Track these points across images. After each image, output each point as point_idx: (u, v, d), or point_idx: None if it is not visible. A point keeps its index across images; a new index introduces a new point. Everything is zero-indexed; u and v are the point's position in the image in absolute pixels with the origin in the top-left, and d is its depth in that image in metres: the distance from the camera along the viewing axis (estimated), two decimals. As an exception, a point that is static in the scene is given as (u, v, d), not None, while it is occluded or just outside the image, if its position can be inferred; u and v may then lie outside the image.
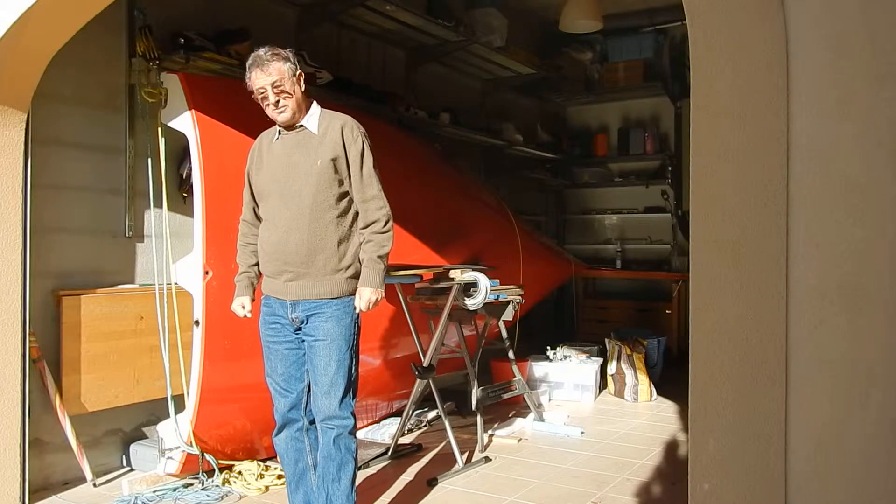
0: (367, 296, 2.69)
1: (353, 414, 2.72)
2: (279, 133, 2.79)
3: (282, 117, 2.72)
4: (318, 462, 2.78)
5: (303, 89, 2.74)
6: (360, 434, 4.30)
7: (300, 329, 2.74)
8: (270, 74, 2.66)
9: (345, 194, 2.74)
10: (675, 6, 2.21)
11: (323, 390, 2.68)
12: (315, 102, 2.83)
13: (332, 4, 4.79)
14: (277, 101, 2.68)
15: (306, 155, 2.72)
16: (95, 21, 3.20)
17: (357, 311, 2.72)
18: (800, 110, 1.70)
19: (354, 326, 2.74)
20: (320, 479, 2.75)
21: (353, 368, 2.74)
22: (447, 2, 5.58)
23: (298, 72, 2.73)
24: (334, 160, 2.70)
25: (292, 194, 2.70)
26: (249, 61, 2.71)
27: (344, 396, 2.69)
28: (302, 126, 2.76)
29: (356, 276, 2.74)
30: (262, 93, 2.68)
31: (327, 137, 2.73)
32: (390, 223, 2.77)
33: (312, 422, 2.79)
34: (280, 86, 2.66)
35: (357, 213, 2.77)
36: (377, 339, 4.31)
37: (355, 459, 2.74)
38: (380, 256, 2.72)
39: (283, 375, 2.77)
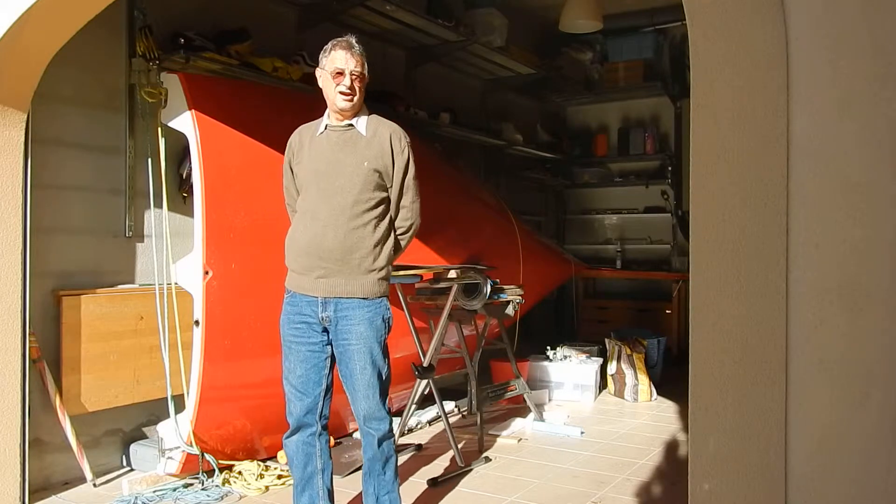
0: None
1: (389, 412, 2.79)
2: (325, 128, 2.79)
3: (345, 104, 2.71)
4: (364, 465, 2.82)
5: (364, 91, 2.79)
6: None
7: (326, 330, 2.73)
8: (356, 61, 2.70)
9: (385, 199, 2.78)
10: (675, 6, 2.21)
11: (361, 394, 2.71)
12: (366, 106, 2.85)
13: (332, 4, 4.79)
14: (351, 87, 2.69)
15: (353, 154, 2.73)
16: (95, 21, 3.20)
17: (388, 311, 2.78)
18: (800, 110, 1.70)
19: (385, 327, 2.76)
20: (367, 475, 2.80)
21: (387, 367, 2.78)
22: (447, 2, 5.57)
23: (367, 72, 2.79)
24: (380, 167, 2.73)
25: (335, 190, 2.70)
26: (334, 41, 2.74)
27: (382, 396, 2.74)
28: (350, 125, 2.77)
29: (387, 278, 2.78)
30: (339, 73, 2.69)
31: (375, 141, 2.75)
32: (411, 233, 2.88)
33: (325, 427, 2.80)
34: (359, 77, 2.71)
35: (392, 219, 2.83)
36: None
37: (396, 453, 2.87)
38: (403, 250, 2.91)
39: (302, 378, 2.74)
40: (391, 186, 2.79)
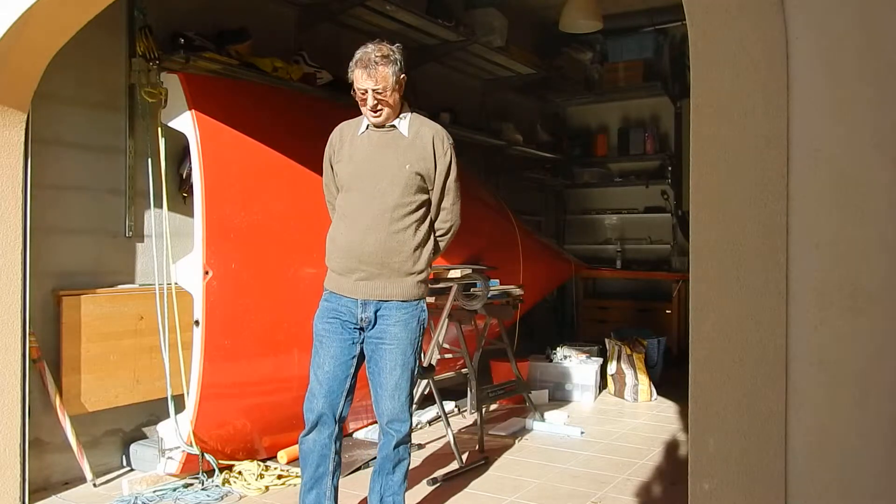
0: None
1: (411, 415, 2.81)
2: (367, 128, 2.77)
3: (375, 120, 2.71)
4: (377, 462, 2.83)
5: (402, 93, 2.73)
6: (360, 434, 4.31)
7: (361, 329, 2.73)
8: (375, 80, 2.62)
9: (426, 202, 2.77)
10: (675, 6, 2.21)
11: (388, 393, 2.72)
12: (407, 104, 2.82)
13: (332, 4, 4.79)
14: (376, 106, 2.66)
15: (395, 157, 2.71)
16: (95, 21, 3.19)
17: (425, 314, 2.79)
18: (800, 110, 1.70)
19: (420, 329, 2.77)
20: (376, 473, 2.82)
21: (416, 371, 2.79)
22: (447, 2, 5.57)
23: (402, 76, 2.70)
24: (422, 170, 2.71)
25: (376, 194, 2.69)
26: (357, 55, 2.67)
27: (407, 399, 2.76)
28: (393, 126, 2.74)
29: (426, 281, 2.79)
30: (363, 95, 2.66)
31: (417, 143, 2.73)
32: (451, 235, 2.90)
33: (342, 430, 2.79)
34: (382, 93, 2.64)
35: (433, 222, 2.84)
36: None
37: (410, 455, 2.86)
38: (444, 249, 2.93)
39: (329, 374, 2.72)
40: (432, 189, 2.78)
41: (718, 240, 1.79)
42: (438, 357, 4.27)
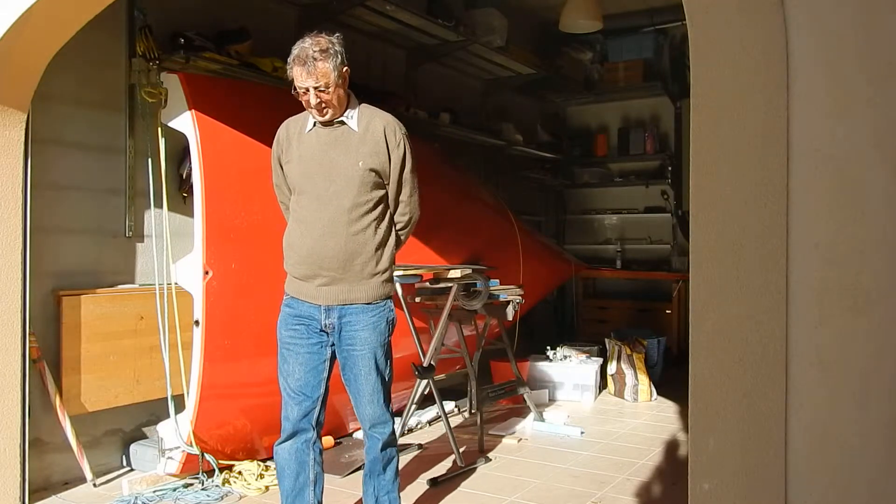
0: None
1: (392, 415, 2.76)
2: (314, 124, 2.62)
3: (321, 117, 2.57)
4: (366, 465, 2.79)
5: (346, 86, 2.57)
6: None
7: (325, 331, 2.64)
8: (315, 77, 2.47)
9: (384, 198, 2.66)
10: (675, 6, 2.21)
11: (366, 398, 2.67)
12: (354, 95, 2.65)
13: (332, 4, 4.79)
14: (320, 104, 2.52)
15: (346, 154, 2.57)
16: (95, 21, 3.19)
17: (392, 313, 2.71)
18: (800, 110, 1.70)
19: (389, 329, 2.70)
20: (367, 476, 2.78)
21: (389, 370, 2.73)
22: (447, 2, 5.57)
23: (345, 69, 2.54)
24: (376, 165, 2.59)
25: (331, 196, 2.57)
26: (294, 51, 2.51)
27: (386, 401, 2.71)
28: (342, 122, 2.60)
29: (391, 279, 2.71)
30: (304, 93, 2.52)
31: (368, 138, 2.59)
32: (410, 227, 2.79)
33: (320, 435, 2.72)
34: (324, 91, 2.49)
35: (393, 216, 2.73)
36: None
37: (398, 454, 2.85)
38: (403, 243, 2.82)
39: (300, 381, 2.63)
40: (388, 183, 2.65)
41: (718, 240, 1.79)
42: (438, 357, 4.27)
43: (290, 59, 2.53)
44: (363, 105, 2.67)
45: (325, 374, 2.67)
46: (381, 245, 2.65)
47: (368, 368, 2.64)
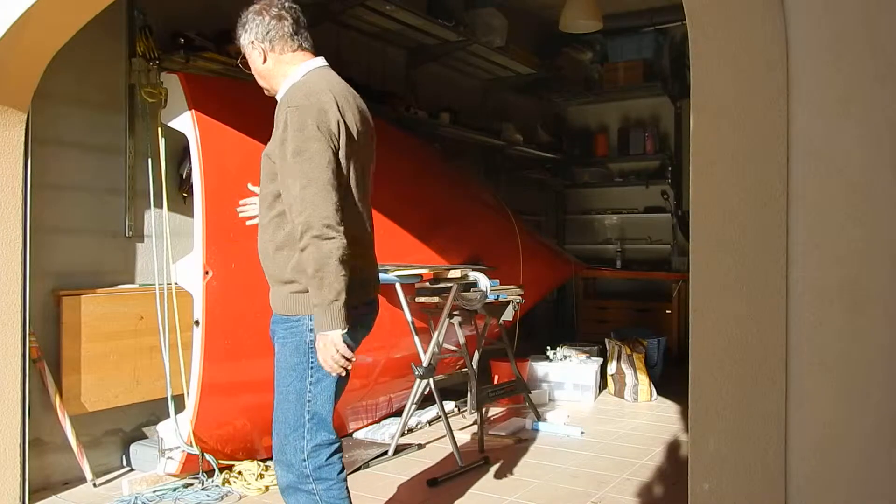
0: (320, 348, 2.08)
1: (305, 459, 2.16)
2: None
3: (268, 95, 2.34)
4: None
5: (264, 60, 2.27)
6: (360, 434, 4.31)
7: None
8: (239, 52, 2.31)
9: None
10: (675, 6, 2.21)
11: (273, 426, 2.24)
12: (303, 69, 2.26)
13: (332, 4, 4.79)
14: (251, 74, 2.30)
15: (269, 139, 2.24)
16: (95, 21, 3.19)
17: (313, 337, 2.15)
18: (800, 110, 1.70)
19: (304, 353, 2.18)
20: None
21: (300, 406, 2.18)
22: (447, 2, 5.58)
23: (262, 43, 2.25)
24: (269, 150, 2.20)
25: (260, 187, 2.31)
26: None
27: (292, 437, 2.17)
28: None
29: (305, 291, 2.14)
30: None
31: (278, 117, 2.19)
32: (310, 235, 2.04)
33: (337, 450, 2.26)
34: (248, 66, 2.31)
35: None
36: (377, 339, 4.31)
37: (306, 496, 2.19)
38: (316, 279, 2.03)
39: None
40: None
41: (718, 240, 1.79)
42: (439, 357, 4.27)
43: None
44: (298, 82, 2.23)
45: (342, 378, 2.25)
46: (281, 248, 2.21)
47: (277, 390, 2.23)
